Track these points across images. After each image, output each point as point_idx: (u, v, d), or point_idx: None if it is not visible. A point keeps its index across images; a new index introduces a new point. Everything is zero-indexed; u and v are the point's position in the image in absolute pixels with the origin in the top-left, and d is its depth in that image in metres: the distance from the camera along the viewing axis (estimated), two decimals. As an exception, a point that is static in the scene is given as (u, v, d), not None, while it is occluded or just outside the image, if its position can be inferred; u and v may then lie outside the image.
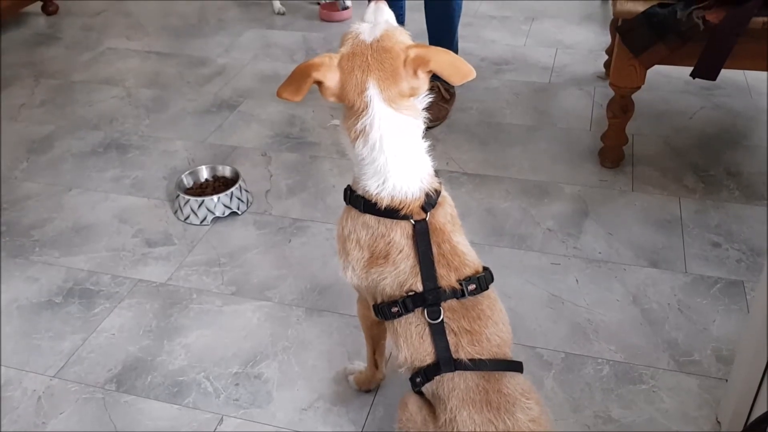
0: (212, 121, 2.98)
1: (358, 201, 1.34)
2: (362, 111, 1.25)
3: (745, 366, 1.51)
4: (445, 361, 1.28)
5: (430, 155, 1.35)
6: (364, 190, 1.32)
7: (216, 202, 2.34)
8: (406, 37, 1.30)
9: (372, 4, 1.35)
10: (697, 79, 2.22)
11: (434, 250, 1.31)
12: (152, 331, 1.95)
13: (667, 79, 3.07)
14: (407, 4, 3.02)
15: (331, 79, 1.25)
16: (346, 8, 3.91)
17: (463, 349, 1.28)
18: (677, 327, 1.90)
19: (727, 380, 1.68)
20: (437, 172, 1.37)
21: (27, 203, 2.50)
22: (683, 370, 1.77)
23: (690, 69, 2.19)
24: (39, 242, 2.31)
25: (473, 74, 1.26)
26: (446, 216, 1.35)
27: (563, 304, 1.98)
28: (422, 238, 1.30)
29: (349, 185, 1.39)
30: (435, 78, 1.28)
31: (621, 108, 2.45)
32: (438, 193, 1.35)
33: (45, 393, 1.78)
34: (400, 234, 1.30)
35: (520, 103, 3.01)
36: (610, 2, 2.41)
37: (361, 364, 1.78)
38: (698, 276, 2.06)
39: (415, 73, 1.25)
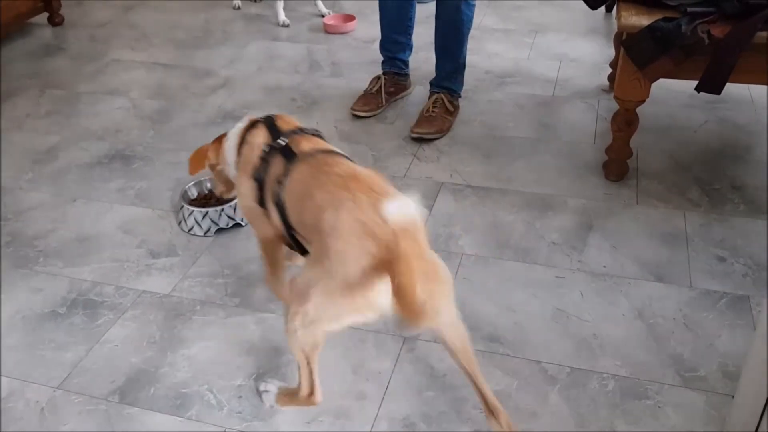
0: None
1: None
2: None
3: (751, 382, 1.50)
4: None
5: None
6: None
7: (220, 214, 2.34)
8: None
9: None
10: (701, 93, 2.22)
11: None
12: (156, 342, 1.95)
13: (672, 93, 3.08)
14: (416, 16, 3.04)
15: None
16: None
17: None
18: (683, 342, 1.89)
19: (733, 396, 1.67)
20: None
21: (31, 213, 2.50)
22: (689, 386, 1.76)
23: (695, 83, 2.20)
24: (43, 253, 2.31)
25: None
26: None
27: (568, 319, 1.97)
28: None
29: None
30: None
31: (625, 121, 2.45)
32: None
33: (48, 404, 1.78)
34: None
35: (524, 116, 3.02)
36: (615, 16, 2.41)
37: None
38: (704, 290, 2.05)
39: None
